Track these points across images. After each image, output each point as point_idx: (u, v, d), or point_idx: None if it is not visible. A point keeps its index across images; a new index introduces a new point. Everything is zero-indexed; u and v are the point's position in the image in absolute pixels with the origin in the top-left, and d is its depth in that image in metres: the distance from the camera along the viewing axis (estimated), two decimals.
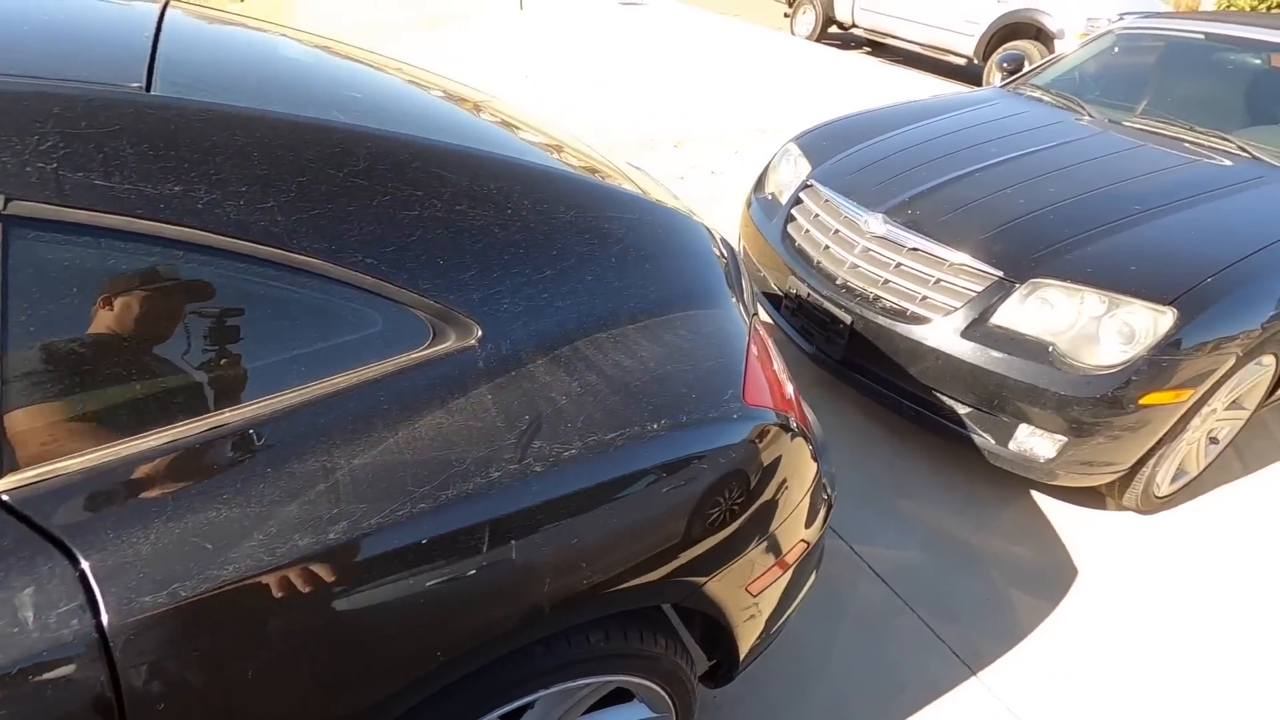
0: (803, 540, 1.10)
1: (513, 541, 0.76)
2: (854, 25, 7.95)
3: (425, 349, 0.80)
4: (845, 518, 1.94)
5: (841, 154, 2.44)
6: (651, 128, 4.96)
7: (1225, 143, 2.36)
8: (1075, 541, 1.95)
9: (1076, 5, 6.16)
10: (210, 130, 0.72)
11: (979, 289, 1.87)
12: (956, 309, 1.88)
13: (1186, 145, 2.39)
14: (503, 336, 0.84)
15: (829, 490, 1.20)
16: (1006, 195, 2.09)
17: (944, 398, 1.92)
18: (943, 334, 1.88)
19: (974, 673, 1.59)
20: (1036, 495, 2.09)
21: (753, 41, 7.93)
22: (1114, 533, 1.99)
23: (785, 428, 1.03)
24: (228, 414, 0.69)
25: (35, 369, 0.62)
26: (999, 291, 1.85)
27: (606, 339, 0.92)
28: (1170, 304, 1.70)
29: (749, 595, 1.03)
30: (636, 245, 1.03)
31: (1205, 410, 1.88)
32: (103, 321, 0.65)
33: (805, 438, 1.08)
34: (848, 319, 2.04)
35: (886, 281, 2.01)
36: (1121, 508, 2.04)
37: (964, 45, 6.87)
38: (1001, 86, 3.07)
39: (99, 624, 0.59)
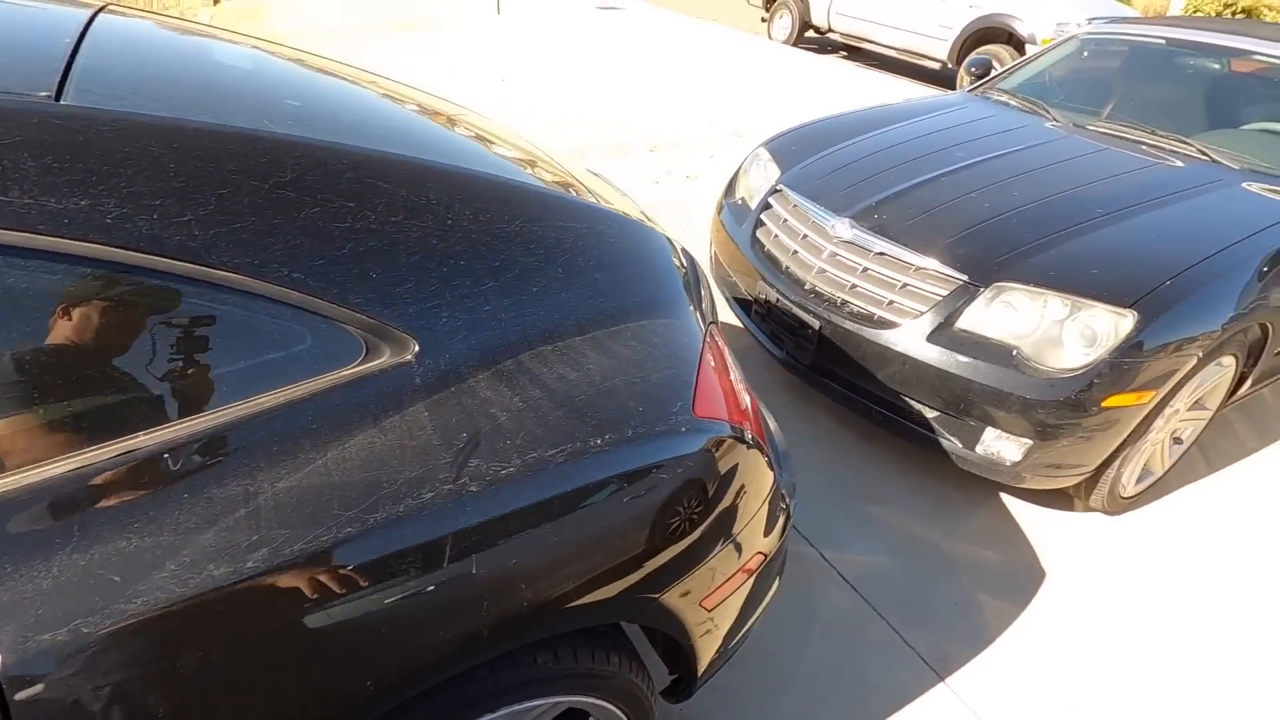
0: (759, 552, 1.09)
1: (446, 565, 0.73)
2: (830, 30, 8.01)
3: (358, 365, 0.77)
4: (815, 524, 1.94)
5: (810, 159, 2.44)
6: (627, 132, 4.96)
7: (1186, 146, 2.40)
8: (1043, 544, 1.96)
9: (1046, 10, 6.26)
10: (122, 141, 0.69)
11: (944, 293, 1.88)
12: (922, 313, 1.89)
13: (1148, 149, 2.42)
14: (441, 351, 0.82)
15: (787, 500, 1.18)
16: (972, 199, 2.10)
17: (912, 402, 1.92)
18: (909, 338, 1.88)
19: (942, 679, 1.58)
20: (1006, 498, 2.10)
21: (730, 45, 7.97)
22: (1081, 534, 2.00)
23: (739, 440, 1.01)
24: (140, 438, 0.66)
25: None
26: (964, 295, 1.85)
27: (552, 352, 0.89)
28: (1131, 306, 1.71)
29: (704, 610, 1.01)
30: (586, 255, 1.01)
31: (1168, 411, 1.90)
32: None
33: (760, 449, 1.06)
34: (816, 324, 2.03)
35: (853, 286, 2.01)
36: (1089, 509, 2.05)
37: (938, 50, 6.95)
38: (969, 91, 3.09)
39: None
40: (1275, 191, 2.15)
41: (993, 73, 3.19)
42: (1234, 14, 9.67)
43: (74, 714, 0.59)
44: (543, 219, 0.99)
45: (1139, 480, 2.06)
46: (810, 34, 8.34)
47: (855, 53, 8.26)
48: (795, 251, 2.18)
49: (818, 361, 2.08)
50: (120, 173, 0.67)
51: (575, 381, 0.88)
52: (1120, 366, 1.69)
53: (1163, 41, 2.78)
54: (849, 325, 1.97)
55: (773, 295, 2.17)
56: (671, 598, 0.94)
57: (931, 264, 1.91)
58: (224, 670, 0.64)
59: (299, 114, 0.93)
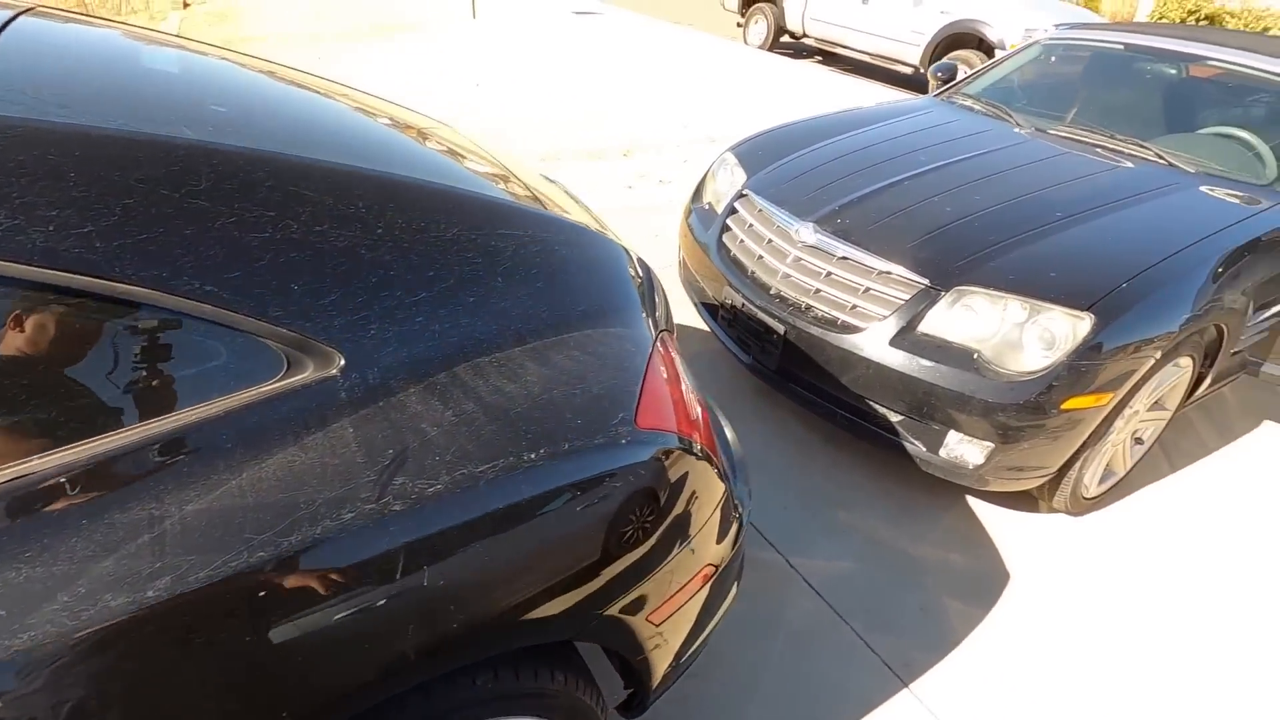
0: (710, 564, 1.07)
1: (368, 588, 0.70)
2: (805, 35, 8.06)
3: (278, 381, 0.74)
4: (782, 530, 1.93)
5: (776, 163, 2.44)
6: (601, 136, 4.94)
7: (1143, 150, 2.43)
8: (1008, 546, 1.96)
9: (1015, 17, 6.35)
10: (14, 149, 0.66)
11: (906, 297, 1.88)
12: (885, 317, 1.89)
13: (1108, 153, 2.45)
14: (369, 365, 0.79)
15: (740, 509, 1.16)
16: (934, 203, 2.11)
17: (876, 406, 1.92)
18: (873, 342, 1.87)
19: (906, 684, 1.57)
20: (972, 501, 2.10)
21: (706, 51, 7.99)
22: (1046, 536, 2.01)
23: (687, 451, 0.99)
24: (35, 462, 0.62)
25: None
26: (926, 299, 1.86)
27: (489, 364, 0.87)
28: (1088, 309, 1.72)
29: (652, 625, 0.99)
30: (529, 263, 0.98)
31: (1128, 412, 1.91)
32: None
33: (710, 460, 1.04)
34: (781, 329, 2.03)
35: (818, 291, 2.01)
36: (1053, 510, 2.06)
37: (910, 55, 7.03)
38: (935, 95, 3.12)
39: None
40: (1230, 194, 2.19)
41: (958, 77, 3.22)
42: (1198, 21, 9.90)
43: None
44: (482, 227, 0.97)
45: (1102, 481, 2.07)
46: (785, 39, 8.39)
47: (830, 58, 8.33)
48: (760, 256, 2.17)
49: (783, 366, 2.07)
50: (11, 182, 0.64)
51: (512, 394, 0.86)
52: (1078, 369, 1.70)
53: (1121, 47, 2.82)
54: (813, 330, 1.97)
55: (738, 300, 2.16)
56: (616, 614, 0.92)
57: (893, 268, 1.91)
58: (119, 709, 0.61)
59: (224, 120, 0.90)
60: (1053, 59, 3.09)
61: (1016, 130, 2.64)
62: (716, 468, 1.06)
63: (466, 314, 0.88)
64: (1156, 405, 2.06)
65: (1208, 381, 2.16)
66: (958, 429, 1.81)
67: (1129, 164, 2.37)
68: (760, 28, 8.53)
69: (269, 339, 0.74)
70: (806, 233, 2.06)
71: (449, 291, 0.88)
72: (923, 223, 2.03)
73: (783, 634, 1.66)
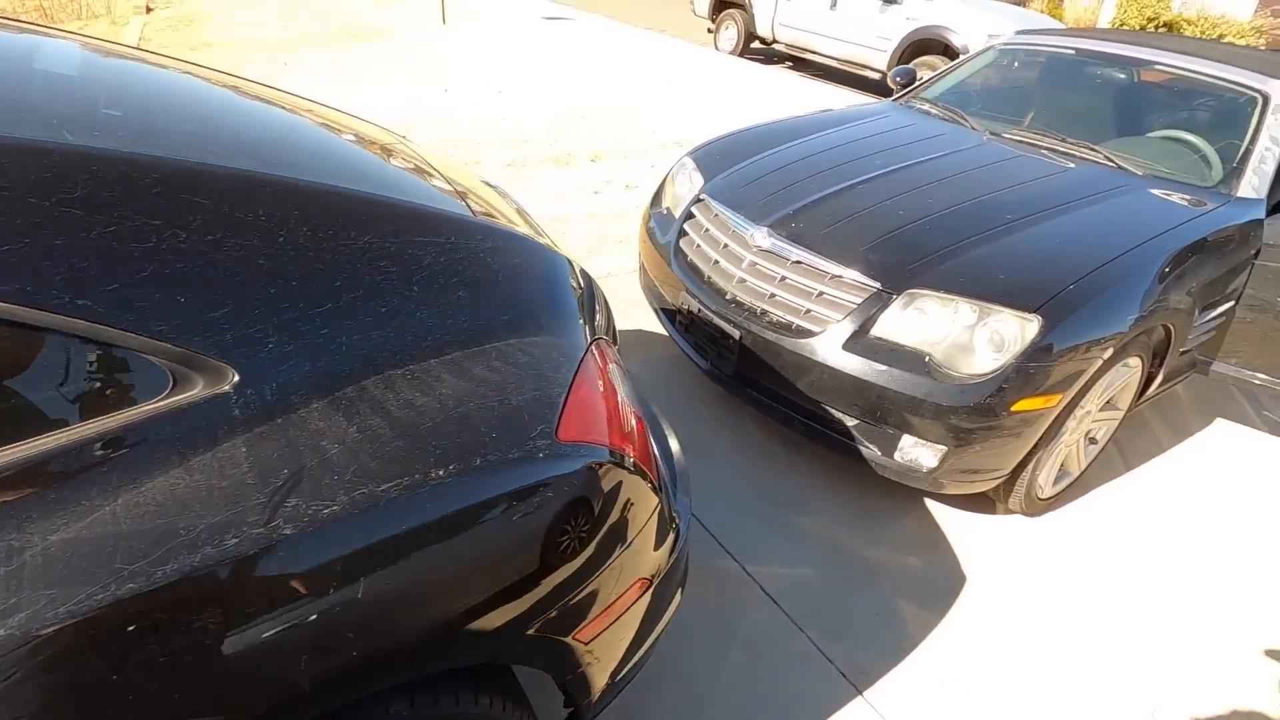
0: (642, 578, 1.04)
1: (251, 619, 0.66)
2: (775, 41, 8.13)
3: (162, 399, 0.70)
4: (739, 537, 1.91)
5: (733, 168, 2.43)
6: (569, 141, 4.91)
7: (1093, 153, 2.46)
8: (965, 548, 1.96)
9: (979, 23, 6.47)
10: None
11: (859, 301, 1.87)
12: (839, 321, 1.88)
13: (1059, 156, 2.48)
14: (266, 380, 0.75)
15: (677, 519, 1.14)
16: (887, 207, 2.11)
17: (831, 410, 1.91)
18: (827, 347, 1.87)
19: (860, 692, 1.56)
20: (930, 504, 2.10)
21: (676, 56, 8.01)
22: (1003, 537, 2.01)
23: (617, 464, 0.97)
24: None
25: None
26: (878, 303, 1.85)
27: (401, 376, 0.83)
28: (1036, 311, 1.73)
29: (580, 644, 0.96)
30: (449, 271, 0.95)
31: (1079, 413, 1.92)
32: None
33: (643, 473, 1.01)
34: (736, 334, 2.01)
35: (773, 295, 1.99)
36: (1009, 511, 2.07)
37: (878, 60, 7.11)
38: (894, 100, 3.14)
39: None
40: (1177, 196, 2.22)
41: (917, 81, 3.25)
42: (1156, 29, 10.15)
43: None
44: (398, 234, 0.93)
45: (1056, 481, 2.08)
46: (756, 45, 8.45)
47: (800, 63, 8.40)
48: (716, 261, 2.16)
49: (740, 371, 2.06)
50: None
51: (423, 408, 0.82)
52: (1028, 370, 1.71)
53: (1073, 52, 2.86)
54: (769, 334, 1.95)
55: (695, 305, 2.14)
56: (537, 634, 0.89)
57: (846, 272, 1.91)
58: None
59: (116, 125, 0.85)
60: (1008, 64, 3.13)
61: (971, 134, 2.67)
62: (650, 480, 1.04)
63: (377, 325, 0.84)
64: (1108, 405, 2.08)
65: (1158, 381, 2.18)
66: (912, 432, 1.81)
67: (1080, 167, 2.40)
68: (731, 33, 8.58)
69: (152, 355, 0.70)
70: (761, 237, 2.05)
71: (358, 302, 0.84)
72: (876, 226, 2.03)
73: (738, 643, 1.64)
